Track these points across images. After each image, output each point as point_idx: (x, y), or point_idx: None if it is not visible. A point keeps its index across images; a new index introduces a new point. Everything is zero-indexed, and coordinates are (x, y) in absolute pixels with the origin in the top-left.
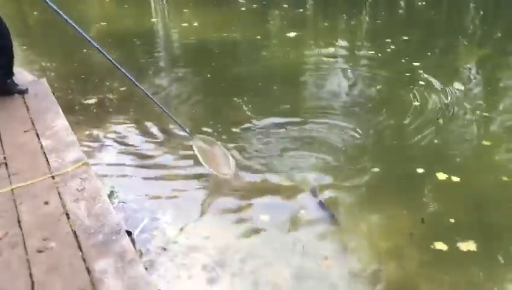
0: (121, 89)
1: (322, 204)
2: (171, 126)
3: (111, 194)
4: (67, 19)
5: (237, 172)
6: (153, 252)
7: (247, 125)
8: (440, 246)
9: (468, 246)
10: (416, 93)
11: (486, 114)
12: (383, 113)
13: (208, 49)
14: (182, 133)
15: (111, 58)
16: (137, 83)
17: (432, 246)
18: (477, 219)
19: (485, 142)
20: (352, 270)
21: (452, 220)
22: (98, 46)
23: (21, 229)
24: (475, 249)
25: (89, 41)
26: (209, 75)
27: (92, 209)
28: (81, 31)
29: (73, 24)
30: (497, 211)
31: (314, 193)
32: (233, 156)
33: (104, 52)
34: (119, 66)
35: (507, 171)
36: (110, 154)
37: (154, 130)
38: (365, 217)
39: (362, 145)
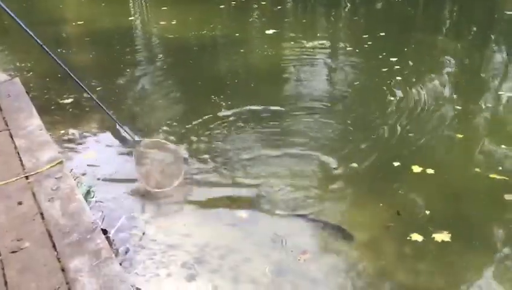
0: (98, 88)
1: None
2: (148, 126)
3: (88, 193)
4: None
5: (183, 184)
6: (131, 251)
7: (223, 122)
8: (416, 237)
9: (442, 236)
10: (393, 88)
11: (460, 108)
12: (360, 108)
13: (186, 47)
14: (158, 132)
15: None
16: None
17: (408, 238)
18: (451, 210)
19: (458, 135)
20: (331, 263)
21: (427, 212)
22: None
23: None
24: (449, 240)
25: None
26: (187, 73)
27: (66, 208)
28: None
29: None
30: (470, 202)
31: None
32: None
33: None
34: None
35: (479, 163)
36: (87, 153)
37: (131, 129)
38: (342, 211)
39: (340, 139)
